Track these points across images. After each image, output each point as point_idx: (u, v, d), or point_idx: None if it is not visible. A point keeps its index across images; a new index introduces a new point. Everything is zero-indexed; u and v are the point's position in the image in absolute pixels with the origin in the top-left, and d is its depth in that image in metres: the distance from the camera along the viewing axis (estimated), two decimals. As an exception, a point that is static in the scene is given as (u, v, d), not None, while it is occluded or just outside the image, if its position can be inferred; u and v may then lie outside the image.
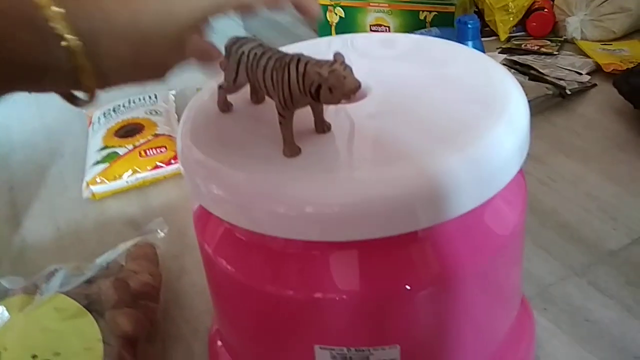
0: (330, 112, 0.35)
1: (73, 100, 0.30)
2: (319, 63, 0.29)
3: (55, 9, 0.23)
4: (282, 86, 0.30)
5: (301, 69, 0.29)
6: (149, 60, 0.27)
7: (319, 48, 0.45)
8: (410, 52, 0.42)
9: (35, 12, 0.23)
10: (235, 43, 0.34)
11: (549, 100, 0.75)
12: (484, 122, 0.32)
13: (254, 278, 0.34)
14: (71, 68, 0.24)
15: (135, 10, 0.25)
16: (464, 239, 0.35)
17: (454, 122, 0.33)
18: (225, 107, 0.36)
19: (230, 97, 0.37)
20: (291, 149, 0.31)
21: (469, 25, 0.62)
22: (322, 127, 0.33)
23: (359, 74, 0.31)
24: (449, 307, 0.36)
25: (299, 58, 0.30)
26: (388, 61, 0.41)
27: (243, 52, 0.33)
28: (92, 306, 0.44)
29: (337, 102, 0.30)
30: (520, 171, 0.39)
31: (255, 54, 0.32)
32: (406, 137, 0.32)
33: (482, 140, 0.31)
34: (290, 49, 0.44)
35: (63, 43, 0.23)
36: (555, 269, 0.52)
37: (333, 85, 0.29)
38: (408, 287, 0.33)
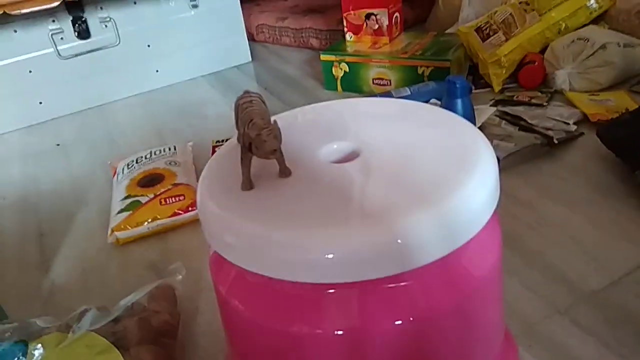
0: (326, 169, 0.41)
1: None
2: (257, 126, 0.37)
3: None
4: (240, 137, 0.39)
5: (246, 128, 0.38)
6: None
7: (325, 110, 0.51)
8: (398, 116, 0.49)
9: None
10: (240, 97, 0.42)
11: (538, 149, 0.81)
12: (456, 181, 0.38)
13: (263, 316, 0.39)
14: None
15: None
16: (446, 279, 0.40)
17: (429, 181, 0.38)
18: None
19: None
20: (245, 185, 0.40)
21: (457, 85, 0.68)
22: (283, 173, 0.40)
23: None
24: (434, 340, 0.40)
25: (251, 119, 0.38)
26: (380, 124, 0.47)
27: (238, 104, 0.41)
28: (119, 343, 0.49)
29: (264, 157, 0.38)
30: (495, 218, 0.44)
31: (245, 107, 0.40)
32: (391, 192, 0.38)
33: (453, 197, 0.37)
34: (302, 111, 0.51)
35: None
36: (540, 307, 0.56)
37: (256, 145, 0.37)
38: (398, 323, 0.38)
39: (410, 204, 0.37)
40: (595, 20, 1.11)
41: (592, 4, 1.09)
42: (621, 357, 0.50)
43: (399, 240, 0.35)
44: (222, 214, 0.39)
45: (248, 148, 0.38)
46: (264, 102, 0.43)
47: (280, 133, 0.38)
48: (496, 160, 0.41)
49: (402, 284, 0.38)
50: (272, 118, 0.43)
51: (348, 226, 0.36)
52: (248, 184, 0.40)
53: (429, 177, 0.39)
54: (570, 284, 0.59)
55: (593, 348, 0.51)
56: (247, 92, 0.43)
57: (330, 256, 0.35)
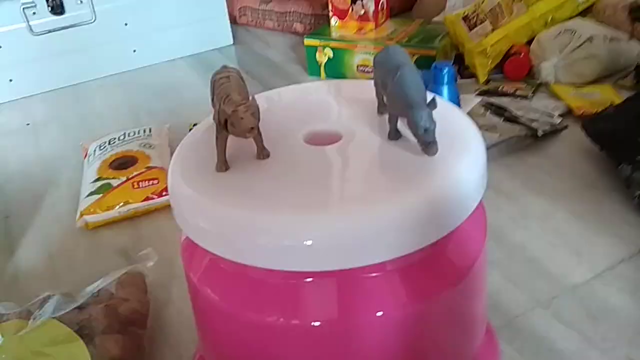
0: (306, 152, 0.39)
1: None
2: (233, 102, 0.35)
3: None
4: (215, 114, 0.36)
5: (222, 104, 0.35)
6: None
7: (306, 91, 0.49)
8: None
9: None
10: (217, 72, 0.40)
11: (522, 141, 0.80)
12: (442, 166, 0.36)
13: (236, 306, 0.37)
14: None
15: None
16: (430, 270, 0.38)
17: (413, 165, 0.36)
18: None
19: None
20: (219, 166, 0.37)
21: (444, 72, 0.66)
22: (260, 154, 0.38)
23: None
24: (417, 332, 0.39)
25: (228, 94, 0.35)
26: (364, 107, 0.45)
27: (215, 80, 0.39)
28: (83, 331, 0.47)
29: (241, 136, 0.35)
30: (481, 207, 0.42)
31: (221, 82, 0.37)
32: (373, 177, 0.36)
33: (439, 183, 0.35)
34: (282, 91, 0.48)
35: None
36: (522, 301, 0.55)
37: (232, 122, 0.34)
38: (379, 314, 0.36)
39: (393, 189, 0.35)
40: (582, 14, 1.10)
41: (579, -3, 1.08)
42: (602, 352, 0.49)
43: (380, 228, 0.33)
44: (195, 197, 0.36)
45: (223, 126, 0.35)
46: (242, 78, 0.40)
47: (258, 110, 0.35)
48: (484, 146, 0.40)
49: (384, 273, 0.36)
50: (251, 95, 0.40)
51: (327, 212, 0.34)
52: (223, 165, 0.37)
53: (413, 162, 0.37)
54: (553, 277, 0.58)
55: (575, 342, 0.50)
56: (224, 67, 0.41)
57: (309, 243, 0.33)
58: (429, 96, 0.37)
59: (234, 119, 0.34)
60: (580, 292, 0.55)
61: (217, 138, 0.37)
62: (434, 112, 0.36)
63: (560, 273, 0.58)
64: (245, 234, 0.34)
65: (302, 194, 0.35)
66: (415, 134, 0.36)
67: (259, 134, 0.37)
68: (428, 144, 0.36)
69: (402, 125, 0.39)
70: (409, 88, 0.36)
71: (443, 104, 0.45)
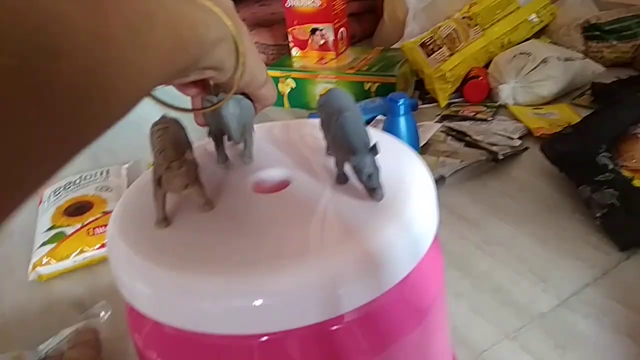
0: (252, 201, 0.38)
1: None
2: (167, 157, 0.33)
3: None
4: (153, 169, 0.35)
5: (155, 158, 0.34)
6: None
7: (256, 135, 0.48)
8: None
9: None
10: (155, 123, 0.38)
11: (484, 165, 0.80)
12: (391, 210, 0.35)
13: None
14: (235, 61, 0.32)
15: None
16: (389, 316, 0.36)
17: (366, 209, 0.35)
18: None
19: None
20: (158, 222, 0.35)
21: (399, 104, 0.66)
22: (203, 207, 0.36)
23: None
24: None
25: (163, 149, 0.34)
26: (314, 149, 0.44)
27: (152, 131, 0.37)
28: (28, 400, 0.44)
29: (176, 193, 0.34)
30: (436, 245, 0.41)
31: (158, 135, 0.35)
32: (322, 226, 0.35)
33: (389, 228, 0.34)
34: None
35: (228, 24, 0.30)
36: (489, 334, 0.54)
37: (166, 179, 0.33)
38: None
39: (343, 238, 0.33)
40: (537, 34, 1.12)
41: (533, 19, 1.10)
42: (572, 384, 0.49)
43: (333, 281, 0.32)
44: (131, 256, 0.34)
45: (158, 182, 0.34)
46: (182, 128, 0.39)
47: (195, 165, 0.34)
48: (433, 184, 0.39)
49: (343, 325, 0.35)
50: (195, 145, 0.39)
51: (275, 268, 0.32)
52: (163, 222, 0.35)
53: (362, 207, 0.36)
54: (519, 306, 0.57)
55: (543, 375, 0.50)
56: (163, 117, 0.40)
57: (258, 303, 0.31)
58: (373, 140, 0.36)
59: (168, 175, 0.32)
60: (547, 321, 0.55)
61: (154, 193, 0.35)
62: (380, 156, 0.35)
63: (527, 301, 0.57)
64: (186, 297, 0.32)
65: (248, 249, 0.34)
66: (360, 180, 0.35)
67: (200, 186, 0.36)
68: (373, 190, 0.35)
69: (349, 168, 0.38)
70: (350, 134, 0.35)
71: (391, 142, 0.44)
